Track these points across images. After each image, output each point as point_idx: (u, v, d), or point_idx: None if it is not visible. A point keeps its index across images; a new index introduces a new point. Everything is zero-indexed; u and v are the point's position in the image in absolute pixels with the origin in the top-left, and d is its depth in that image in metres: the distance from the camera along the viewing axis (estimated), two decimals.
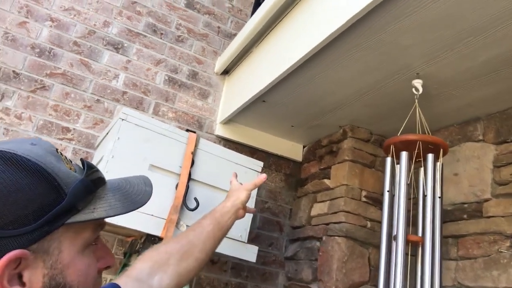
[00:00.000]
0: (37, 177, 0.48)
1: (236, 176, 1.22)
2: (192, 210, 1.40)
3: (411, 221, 1.43)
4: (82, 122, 1.88)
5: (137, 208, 0.57)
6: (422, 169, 1.42)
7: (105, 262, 0.57)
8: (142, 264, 0.80)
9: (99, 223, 0.56)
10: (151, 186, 0.62)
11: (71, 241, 0.51)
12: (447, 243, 1.62)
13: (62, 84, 1.89)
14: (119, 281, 0.71)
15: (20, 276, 0.47)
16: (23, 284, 0.47)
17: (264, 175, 1.16)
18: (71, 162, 0.56)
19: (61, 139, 1.82)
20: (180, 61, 2.21)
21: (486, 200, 1.54)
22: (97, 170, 0.57)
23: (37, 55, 1.87)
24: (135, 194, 0.58)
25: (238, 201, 1.05)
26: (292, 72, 1.56)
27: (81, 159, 0.58)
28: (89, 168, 0.55)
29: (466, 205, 1.61)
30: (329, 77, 1.60)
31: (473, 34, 1.21)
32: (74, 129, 1.86)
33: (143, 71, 2.09)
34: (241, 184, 1.13)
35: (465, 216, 1.60)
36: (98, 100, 1.94)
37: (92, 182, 0.53)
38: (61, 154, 0.55)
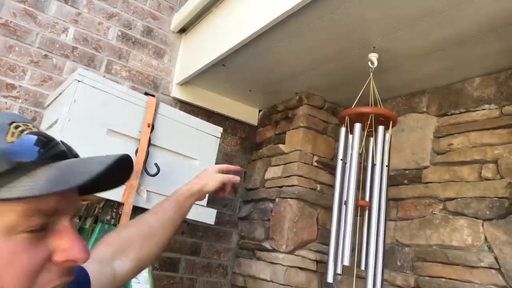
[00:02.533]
0: None
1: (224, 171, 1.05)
2: (153, 175, 1.41)
3: (360, 186, 1.55)
4: (28, 79, 1.76)
5: (63, 189, 0.43)
6: (372, 139, 1.52)
7: (66, 255, 0.46)
8: (104, 248, 0.78)
9: (35, 208, 0.44)
10: (109, 164, 0.47)
11: None
12: (388, 205, 1.78)
13: (5, 36, 1.73)
14: None
15: None
16: None
17: (238, 178, 1.04)
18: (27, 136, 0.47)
19: (6, 97, 1.70)
20: (134, 16, 2.10)
21: (425, 168, 1.70)
22: (55, 144, 0.48)
23: None
24: (76, 173, 0.46)
25: (206, 189, 0.97)
26: (254, 38, 1.56)
27: (37, 133, 0.48)
28: (47, 143, 0.47)
29: (407, 172, 1.76)
30: (291, 45, 1.62)
31: (430, 14, 1.28)
32: (20, 86, 1.74)
33: (95, 25, 1.97)
34: (217, 172, 1.02)
35: (405, 181, 1.76)
36: (45, 55, 1.82)
37: (18, 156, 0.44)
38: (17, 127, 0.47)
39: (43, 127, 1.63)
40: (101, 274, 0.72)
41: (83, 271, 0.67)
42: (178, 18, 2.16)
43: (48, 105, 1.69)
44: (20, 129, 0.47)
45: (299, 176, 1.93)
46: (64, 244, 0.46)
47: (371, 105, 1.54)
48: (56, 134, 1.27)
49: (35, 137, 0.46)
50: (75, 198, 0.50)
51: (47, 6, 1.85)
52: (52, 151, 0.47)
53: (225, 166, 1.05)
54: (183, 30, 2.22)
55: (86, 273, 0.67)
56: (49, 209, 0.45)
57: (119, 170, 0.51)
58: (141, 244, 0.83)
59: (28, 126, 0.48)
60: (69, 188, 0.43)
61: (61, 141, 0.52)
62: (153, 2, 2.18)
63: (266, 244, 1.97)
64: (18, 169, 0.43)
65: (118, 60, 2.02)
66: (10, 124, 0.47)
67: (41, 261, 0.45)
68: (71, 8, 1.91)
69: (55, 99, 1.57)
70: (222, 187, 1.02)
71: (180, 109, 2.09)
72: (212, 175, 0.99)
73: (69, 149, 0.51)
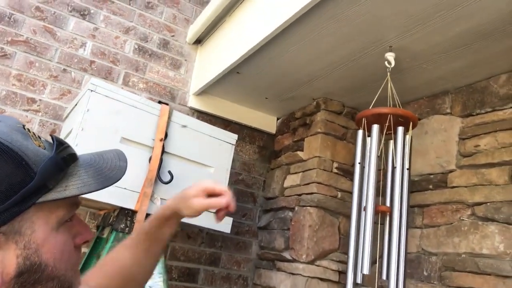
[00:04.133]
0: (2, 157, 0.46)
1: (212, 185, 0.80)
2: (166, 183, 1.39)
3: (380, 191, 1.48)
4: (48, 93, 1.80)
5: (111, 184, 0.55)
6: (392, 141, 1.46)
7: (83, 237, 0.57)
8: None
9: (74, 201, 0.54)
10: (125, 160, 0.60)
11: (45, 220, 0.49)
12: (413, 212, 1.70)
13: (25, 52, 1.79)
14: None
15: None
16: None
17: (222, 202, 0.76)
18: (40, 138, 0.54)
19: (27, 111, 1.75)
20: (150, 29, 2.13)
21: (451, 171, 1.61)
22: (68, 146, 0.54)
23: None
24: (109, 170, 0.57)
25: (181, 216, 0.78)
26: (267, 43, 1.54)
27: (51, 135, 0.55)
28: (60, 144, 0.52)
29: (432, 176, 1.68)
30: (305, 48, 1.59)
31: (446, 8, 1.22)
32: (40, 100, 1.78)
33: (112, 39, 2.01)
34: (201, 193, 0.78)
35: (430, 186, 1.67)
36: (64, 69, 1.86)
37: (62, 159, 0.51)
38: (29, 130, 0.52)
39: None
40: None
41: None
42: (193, 30, 2.18)
43: (66, 117, 1.72)
44: (31, 133, 0.53)
45: (319, 183, 1.88)
46: (81, 229, 0.57)
47: (390, 107, 1.48)
48: (70, 142, 1.28)
49: (56, 142, 0.52)
50: None
51: (66, 22, 1.90)
52: (66, 151, 0.54)
53: (210, 187, 0.77)
54: (198, 41, 2.24)
55: None
56: (79, 202, 0.56)
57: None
58: (122, 284, 0.78)
59: (28, 128, 0.55)
60: (114, 183, 0.55)
61: (51, 135, 0.57)
62: (169, 15, 2.21)
63: (286, 254, 1.92)
64: (63, 171, 0.51)
65: (135, 72, 2.04)
66: (23, 127, 0.52)
67: (73, 244, 0.55)
68: (89, 24, 1.96)
69: (71, 110, 1.59)
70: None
71: (197, 118, 2.09)
72: (187, 201, 0.76)
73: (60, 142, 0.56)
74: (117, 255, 0.81)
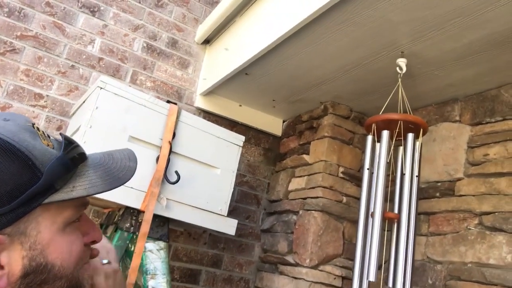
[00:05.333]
0: (9, 157, 0.45)
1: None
2: (173, 183, 1.38)
3: (388, 197, 1.47)
4: (56, 89, 1.80)
5: (120, 185, 0.54)
6: (401, 148, 1.44)
7: (91, 237, 0.56)
8: None
9: (82, 202, 0.53)
10: (135, 161, 0.59)
11: (51, 221, 0.49)
12: (419, 219, 1.68)
13: (34, 47, 1.78)
14: None
15: None
16: (1, 267, 0.46)
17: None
18: (49, 137, 0.53)
19: (34, 106, 1.74)
20: (159, 27, 2.13)
21: (459, 179, 1.60)
22: (77, 146, 0.53)
23: (5, 15, 1.74)
24: (118, 170, 0.56)
25: None
26: (278, 45, 1.53)
27: (61, 134, 0.54)
28: (68, 144, 0.51)
29: (439, 184, 1.67)
30: (316, 51, 1.58)
31: (461, 15, 1.22)
32: (47, 95, 1.78)
33: (121, 36, 2.00)
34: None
35: (437, 194, 1.66)
36: (72, 66, 1.85)
37: (71, 159, 0.50)
38: (38, 129, 0.51)
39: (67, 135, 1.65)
40: None
41: None
42: (202, 29, 2.17)
43: (73, 114, 1.71)
44: (41, 131, 0.52)
45: (324, 187, 1.86)
46: (89, 229, 0.56)
47: (400, 113, 1.47)
48: (78, 140, 1.27)
49: (65, 141, 0.51)
50: None
51: (75, 18, 1.90)
52: (75, 150, 0.52)
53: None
54: (207, 41, 2.23)
55: None
56: (87, 202, 0.55)
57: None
58: None
59: (38, 126, 0.53)
60: (122, 184, 0.54)
61: (61, 134, 0.57)
62: (178, 14, 2.20)
63: (289, 258, 1.90)
64: (71, 171, 0.50)
65: (143, 70, 2.04)
66: (33, 125, 0.51)
67: (82, 243, 0.54)
68: (98, 20, 1.95)
69: (79, 107, 1.58)
70: None
71: (204, 119, 2.08)
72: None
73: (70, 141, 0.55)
74: None
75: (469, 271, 1.44)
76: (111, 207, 1.51)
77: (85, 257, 0.56)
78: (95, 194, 0.51)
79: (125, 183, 0.55)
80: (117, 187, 0.54)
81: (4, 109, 1.68)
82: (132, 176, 0.57)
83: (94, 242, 0.57)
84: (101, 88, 1.33)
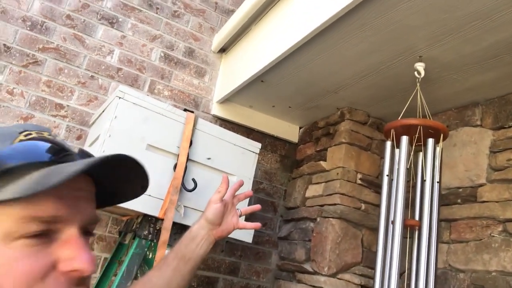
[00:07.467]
0: None
1: (227, 183, 1.02)
2: (190, 191, 1.39)
3: (409, 204, 1.44)
4: (76, 99, 1.84)
5: (37, 191, 0.40)
6: (421, 153, 1.42)
7: (71, 264, 0.44)
8: None
9: (31, 214, 0.42)
10: (87, 165, 0.43)
11: None
12: (440, 226, 1.64)
13: (55, 59, 1.83)
14: None
15: None
16: None
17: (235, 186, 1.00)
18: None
19: (55, 116, 1.78)
20: (176, 37, 2.16)
21: (481, 185, 1.56)
22: (40, 138, 0.47)
23: (28, 28, 1.80)
24: (56, 174, 0.42)
25: (208, 221, 0.90)
26: (294, 51, 1.53)
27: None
28: (58, 150, 0.46)
29: (460, 190, 1.63)
30: (332, 57, 1.57)
31: (479, 18, 1.19)
32: (67, 106, 1.82)
33: (139, 47, 2.04)
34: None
35: (459, 200, 1.62)
36: (92, 76, 1.89)
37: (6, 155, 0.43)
38: (26, 135, 0.46)
39: (87, 144, 1.68)
40: None
41: None
42: (219, 38, 2.19)
43: (93, 123, 1.75)
44: (30, 136, 0.46)
45: (342, 194, 1.84)
46: (70, 254, 0.44)
47: (419, 118, 1.45)
48: (97, 149, 1.30)
49: (39, 142, 0.45)
50: (83, 206, 0.47)
51: (95, 30, 1.94)
52: (59, 155, 0.45)
53: (223, 188, 0.99)
54: (223, 50, 2.25)
55: None
56: (46, 216, 0.43)
57: (125, 174, 0.49)
58: None
59: (42, 134, 0.47)
60: (43, 189, 0.39)
61: (80, 149, 0.51)
62: (195, 24, 2.23)
63: (307, 266, 1.88)
64: (7, 173, 0.42)
65: (160, 80, 2.06)
66: (21, 132, 0.46)
67: (43, 268, 0.42)
68: (117, 32, 2.00)
69: (98, 116, 1.61)
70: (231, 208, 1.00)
71: (220, 126, 2.09)
72: (208, 205, 0.93)
73: (88, 155, 0.49)
74: (148, 277, 0.81)
75: (494, 280, 1.40)
76: (129, 215, 1.53)
77: (50, 285, 0.43)
78: (12, 199, 0.40)
79: (47, 187, 0.40)
80: (35, 192, 0.40)
81: (26, 119, 1.72)
82: (59, 180, 0.40)
83: (78, 272, 0.44)
84: (119, 97, 1.35)
